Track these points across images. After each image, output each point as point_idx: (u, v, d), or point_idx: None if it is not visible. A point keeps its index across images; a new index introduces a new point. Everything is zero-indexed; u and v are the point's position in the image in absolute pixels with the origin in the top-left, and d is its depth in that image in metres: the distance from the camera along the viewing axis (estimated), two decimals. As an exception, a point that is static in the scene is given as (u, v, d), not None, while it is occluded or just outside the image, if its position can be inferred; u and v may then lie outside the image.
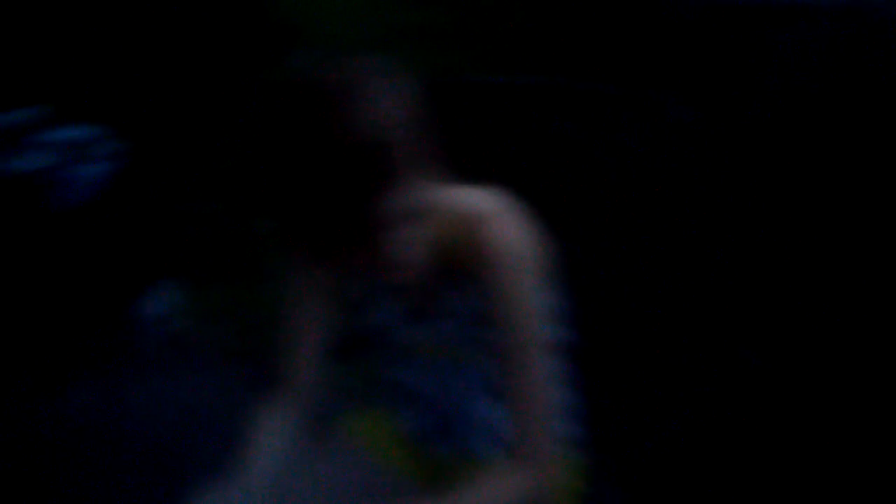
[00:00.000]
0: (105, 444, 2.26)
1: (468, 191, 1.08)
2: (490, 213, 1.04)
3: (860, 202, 2.29)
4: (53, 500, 2.09)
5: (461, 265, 1.06)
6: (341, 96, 0.88)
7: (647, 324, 2.15)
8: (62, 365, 2.46)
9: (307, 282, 1.19)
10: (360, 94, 0.89)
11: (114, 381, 2.37)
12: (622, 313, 2.15)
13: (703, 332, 2.18)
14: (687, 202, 2.39)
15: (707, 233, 2.33)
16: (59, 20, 4.73)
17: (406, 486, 1.26)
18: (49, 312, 2.12)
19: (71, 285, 2.06)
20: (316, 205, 0.89)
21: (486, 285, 1.04)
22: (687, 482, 1.89)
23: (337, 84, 0.89)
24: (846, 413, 2.00)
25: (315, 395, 1.24)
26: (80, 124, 2.28)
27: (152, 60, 4.33)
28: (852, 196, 2.30)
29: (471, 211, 1.04)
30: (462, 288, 1.10)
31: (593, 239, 2.22)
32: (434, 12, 5.45)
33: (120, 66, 4.63)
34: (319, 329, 1.22)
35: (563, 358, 1.13)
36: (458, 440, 1.24)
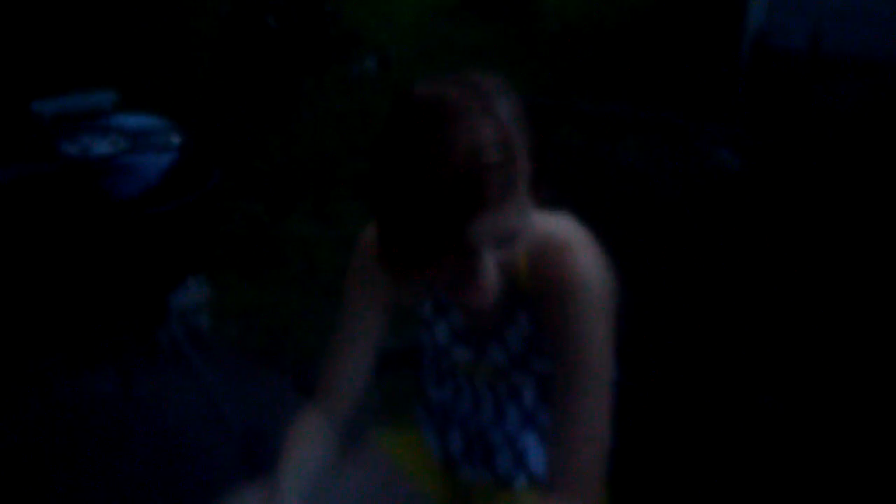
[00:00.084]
0: (115, 433, 2.28)
1: (552, 217, 1.07)
2: (576, 242, 1.04)
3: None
4: (58, 481, 2.11)
5: (537, 291, 1.06)
6: (466, 113, 0.88)
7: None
8: (88, 349, 2.48)
9: (370, 292, 1.19)
10: (486, 110, 0.89)
11: (134, 371, 2.39)
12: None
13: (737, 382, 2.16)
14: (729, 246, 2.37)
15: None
16: (129, 9, 4.82)
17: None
18: (88, 296, 2.13)
19: (115, 272, 2.08)
20: (420, 218, 0.89)
21: (562, 312, 1.03)
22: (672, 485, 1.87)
23: (460, 100, 0.89)
24: (847, 414, 1.97)
25: (354, 407, 1.23)
26: (143, 113, 2.31)
27: (218, 59, 4.40)
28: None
29: (557, 238, 1.04)
30: (529, 313, 1.09)
31: (644, 271, 2.20)
32: (492, 31, 5.48)
33: (186, 61, 4.71)
34: (370, 341, 1.21)
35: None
36: (494, 467, 1.23)
